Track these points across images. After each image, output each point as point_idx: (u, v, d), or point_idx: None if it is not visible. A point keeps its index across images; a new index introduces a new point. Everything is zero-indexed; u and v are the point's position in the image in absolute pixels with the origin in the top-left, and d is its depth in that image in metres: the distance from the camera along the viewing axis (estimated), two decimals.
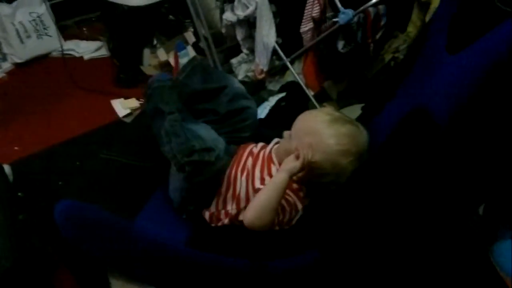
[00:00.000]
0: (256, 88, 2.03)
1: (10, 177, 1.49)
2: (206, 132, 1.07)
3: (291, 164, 0.95)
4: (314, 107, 1.80)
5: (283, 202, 0.97)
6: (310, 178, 1.00)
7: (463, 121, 0.84)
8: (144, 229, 1.03)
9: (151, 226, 1.06)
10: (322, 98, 1.98)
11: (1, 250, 1.12)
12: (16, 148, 1.87)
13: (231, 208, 1.03)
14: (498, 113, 0.81)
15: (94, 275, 1.11)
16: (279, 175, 0.95)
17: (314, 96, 1.89)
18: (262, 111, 1.82)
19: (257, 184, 1.01)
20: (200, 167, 1.01)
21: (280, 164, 1.01)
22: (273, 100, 1.87)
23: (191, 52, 2.21)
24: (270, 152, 1.08)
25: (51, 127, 2.03)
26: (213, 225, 1.05)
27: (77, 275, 1.23)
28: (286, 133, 1.05)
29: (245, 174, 1.04)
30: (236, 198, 1.03)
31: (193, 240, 1.02)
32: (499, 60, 0.77)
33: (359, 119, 1.27)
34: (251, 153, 1.08)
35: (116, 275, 1.03)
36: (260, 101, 1.89)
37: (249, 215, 0.93)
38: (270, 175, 1.02)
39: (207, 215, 1.06)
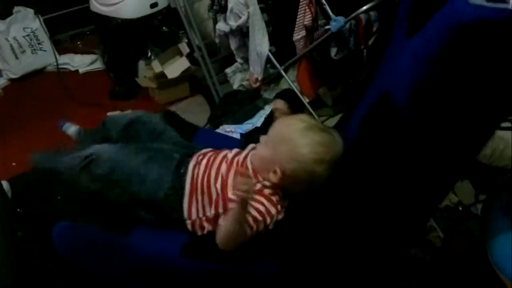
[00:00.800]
0: (252, 97, 2.04)
1: (9, 193, 1.49)
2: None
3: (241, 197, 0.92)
4: (309, 114, 1.81)
5: (250, 219, 0.95)
6: (283, 186, 1.00)
7: (420, 106, 0.80)
8: (140, 242, 1.03)
9: (148, 238, 1.06)
10: (318, 105, 1.99)
11: (1, 267, 1.13)
12: (14, 164, 1.87)
13: (210, 213, 1.03)
14: (451, 97, 0.76)
15: None
16: (235, 208, 0.93)
17: (310, 103, 1.89)
18: (258, 120, 1.82)
19: (230, 193, 1.00)
20: None
21: (254, 171, 1.01)
22: (268, 109, 1.87)
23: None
24: (244, 158, 1.06)
25: (48, 142, 2.02)
26: (199, 233, 1.04)
27: None
28: (262, 138, 1.03)
29: (219, 181, 1.03)
30: (213, 204, 1.02)
31: (187, 251, 1.02)
32: (446, 41, 0.71)
33: (338, 123, 1.27)
34: (225, 158, 1.07)
35: None
36: (256, 109, 1.90)
37: (220, 243, 0.95)
38: None
39: (189, 224, 1.05)
